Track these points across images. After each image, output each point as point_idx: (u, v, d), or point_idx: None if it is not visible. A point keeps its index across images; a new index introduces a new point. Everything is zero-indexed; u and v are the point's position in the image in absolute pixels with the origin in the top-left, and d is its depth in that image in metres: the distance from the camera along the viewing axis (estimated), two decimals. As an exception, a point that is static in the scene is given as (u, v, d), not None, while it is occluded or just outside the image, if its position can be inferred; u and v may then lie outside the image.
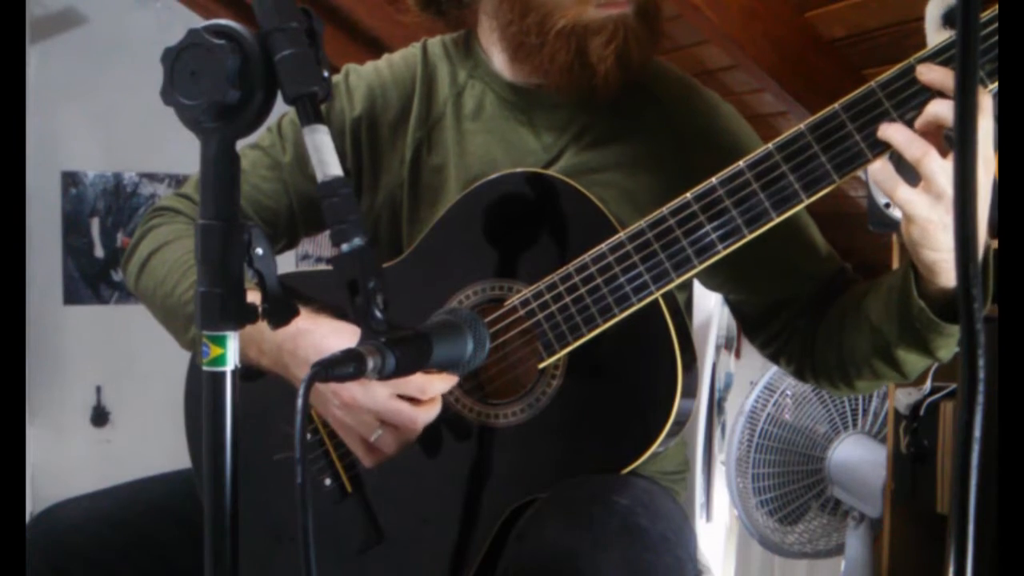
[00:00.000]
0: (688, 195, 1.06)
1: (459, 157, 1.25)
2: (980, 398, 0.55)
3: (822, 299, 1.21)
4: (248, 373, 1.15)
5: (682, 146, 1.22)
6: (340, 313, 1.12)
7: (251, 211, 1.28)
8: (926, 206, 0.95)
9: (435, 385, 1.09)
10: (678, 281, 1.07)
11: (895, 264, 1.79)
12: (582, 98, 1.20)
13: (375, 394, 1.08)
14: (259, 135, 1.27)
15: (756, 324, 1.27)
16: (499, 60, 1.26)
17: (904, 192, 0.96)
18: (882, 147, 1.00)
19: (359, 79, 1.30)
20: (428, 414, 1.10)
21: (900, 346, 1.08)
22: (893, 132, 0.97)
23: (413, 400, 1.09)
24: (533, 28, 1.16)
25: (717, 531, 2.93)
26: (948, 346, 1.06)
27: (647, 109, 1.24)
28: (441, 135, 1.27)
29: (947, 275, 0.99)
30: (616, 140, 1.23)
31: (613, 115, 1.23)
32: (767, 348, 1.27)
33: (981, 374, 0.55)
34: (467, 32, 1.31)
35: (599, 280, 1.09)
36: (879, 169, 0.98)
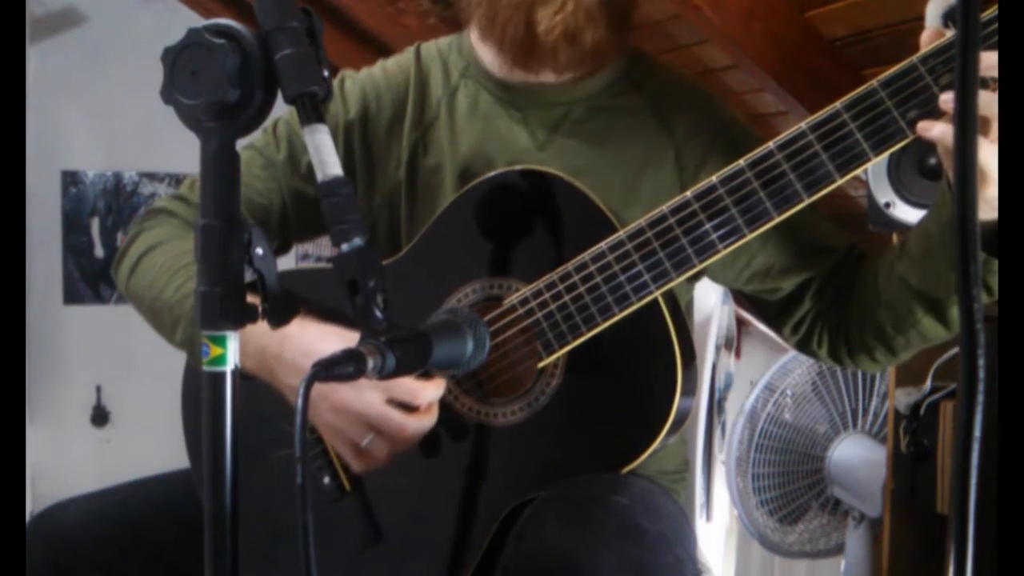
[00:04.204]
0: (688, 194, 1.06)
1: (454, 155, 1.25)
2: (980, 398, 0.55)
3: (840, 274, 1.20)
4: (246, 372, 1.14)
5: (674, 142, 1.22)
6: (329, 314, 1.11)
7: (244, 210, 1.27)
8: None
9: (426, 391, 1.08)
10: (678, 280, 1.07)
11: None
12: (538, 71, 1.21)
13: (366, 399, 1.07)
14: (254, 136, 1.27)
15: (781, 312, 1.25)
16: (489, 57, 1.26)
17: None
18: (884, 147, 1.00)
19: (353, 84, 1.30)
20: (421, 423, 1.09)
21: (951, 299, 1.06)
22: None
23: (406, 407, 1.08)
24: (484, 1, 1.18)
25: (717, 531, 2.92)
26: (996, 283, 1.04)
27: (640, 106, 1.25)
28: (436, 135, 1.27)
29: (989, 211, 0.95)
30: (611, 137, 1.23)
31: (608, 112, 1.24)
32: (796, 334, 1.25)
33: (981, 374, 0.55)
34: (460, 34, 1.32)
35: (598, 279, 1.09)
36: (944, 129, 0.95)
